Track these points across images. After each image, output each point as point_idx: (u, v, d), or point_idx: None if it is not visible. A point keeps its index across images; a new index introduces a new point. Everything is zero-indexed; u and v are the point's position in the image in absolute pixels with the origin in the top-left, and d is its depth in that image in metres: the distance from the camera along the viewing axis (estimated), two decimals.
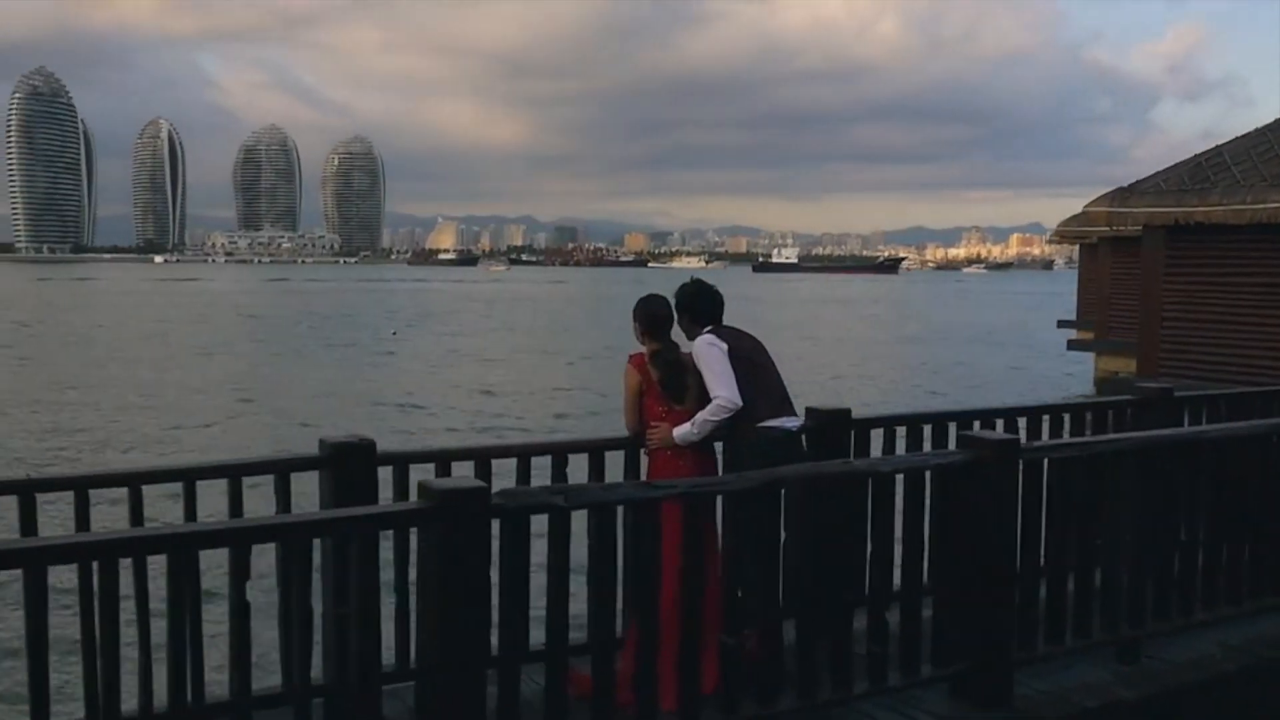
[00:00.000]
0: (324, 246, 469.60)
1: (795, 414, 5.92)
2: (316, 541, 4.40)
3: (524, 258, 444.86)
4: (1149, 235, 19.33)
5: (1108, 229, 23.35)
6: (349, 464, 5.11)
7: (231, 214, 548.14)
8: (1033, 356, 43.31)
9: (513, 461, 5.80)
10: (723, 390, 5.63)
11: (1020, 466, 5.38)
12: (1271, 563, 6.53)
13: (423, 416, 26.92)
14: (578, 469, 5.92)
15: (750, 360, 5.82)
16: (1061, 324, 39.38)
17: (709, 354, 5.73)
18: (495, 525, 4.14)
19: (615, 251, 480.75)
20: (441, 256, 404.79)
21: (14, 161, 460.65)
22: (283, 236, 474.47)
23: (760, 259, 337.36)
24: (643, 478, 5.79)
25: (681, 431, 5.66)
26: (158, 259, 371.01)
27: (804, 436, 6.35)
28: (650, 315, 5.91)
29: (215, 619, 4.37)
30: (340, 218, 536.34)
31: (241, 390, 31.31)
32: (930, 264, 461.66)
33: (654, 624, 4.70)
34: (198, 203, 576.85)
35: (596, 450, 5.89)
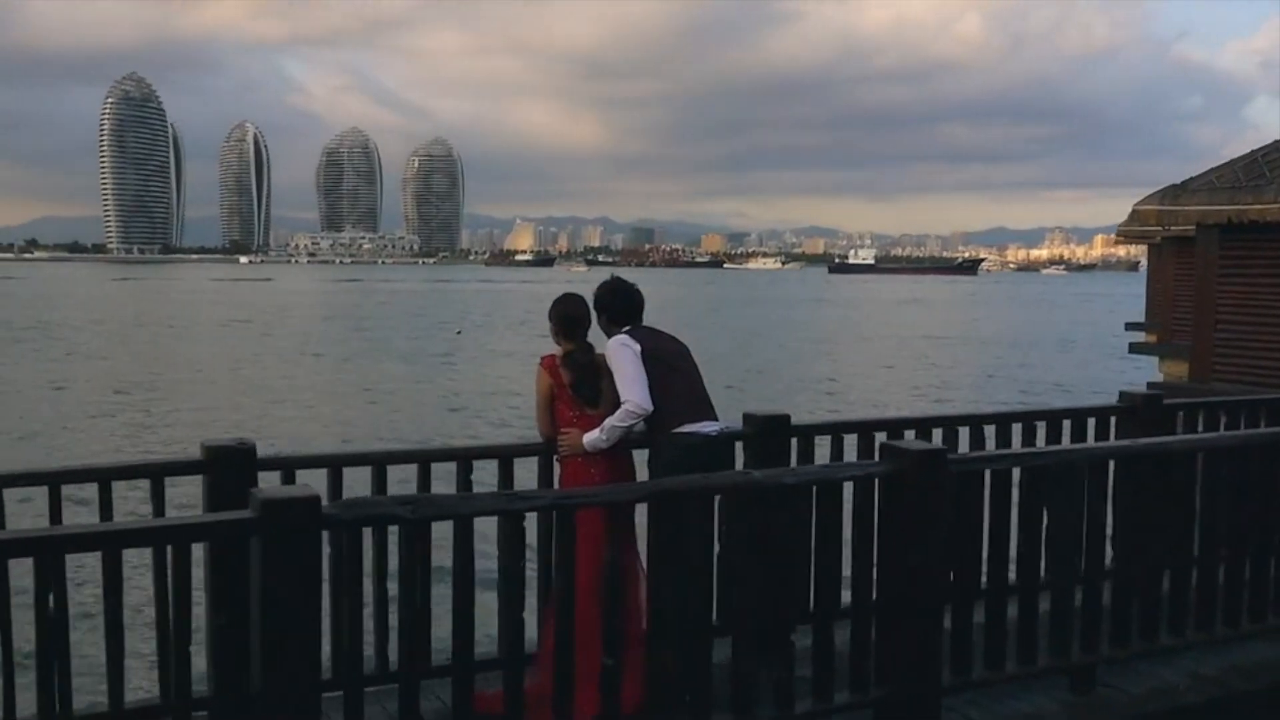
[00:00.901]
0: (403, 247, 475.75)
1: (715, 418, 5.56)
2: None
3: (600, 259, 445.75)
4: (1202, 234, 18.50)
5: (1160, 228, 22.47)
6: (226, 468, 4.88)
7: (315, 215, 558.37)
8: (1095, 360, 42.10)
9: (436, 467, 5.52)
10: (632, 394, 5.31)
11: (945, 479, 4.95)
12: (1255, 585, 6.02)
13: (464, 417, 26.84)
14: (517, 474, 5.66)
15: (666, 363, 5.48)
16: (1130, 326, 38.14)
17: (620, 355, 5.41)
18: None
19: (691, 252, 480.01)
20: (518, 258, 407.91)
21: (106, 165, 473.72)
22: (364, 238, 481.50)
23: (836, 260, 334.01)
24: (556, 486, 5.49)
25: (590, 438, 5.35)
26: (243, 260, 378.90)
27: (742, 442, 6.03)
28: (563, 315, 5.61)
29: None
30: (420, 219, 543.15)
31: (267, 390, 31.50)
32: (1011, 265, 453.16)
33: (569, 639, 4.41)
34: (282, 204, 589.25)
35: (505, 457, 5.57)
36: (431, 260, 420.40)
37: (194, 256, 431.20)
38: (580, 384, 5.45)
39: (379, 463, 5.28)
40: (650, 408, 5.31)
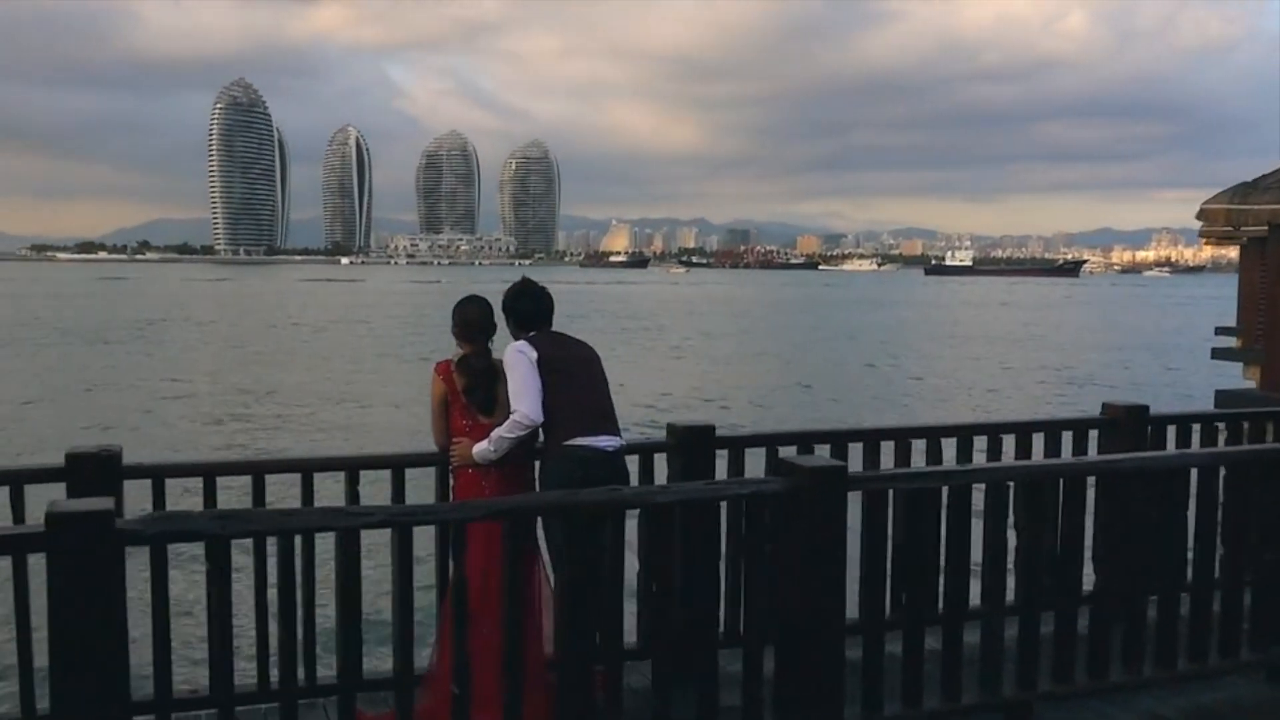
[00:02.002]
0: (500, 249, 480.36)
1: (615, 432, 5.23)
2: None
3: (694, 260, 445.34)
4: (1274, 235, 17.61)
5: (1229, 228, 21.46)
6: (87, 476, 4.69)
7: (414, 217, 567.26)
8: (1181, 365, 40.48)
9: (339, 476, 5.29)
10: (520, 404, 5.02)
11: (841, 497, 4.56)
12: (1227, 618, 5.50)
13: None
14: (421, 485, 5.41)
15: (565, 372, 5.17)
16: (1219, 330, 36.65)
17: (514, 362, 5.12)
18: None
19: (786, 254, 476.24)
20: (612, 259, 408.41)
21: (215, 169, 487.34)
22: (461, 239, 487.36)
23: (933, 261, 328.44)
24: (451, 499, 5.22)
25: (479, 449, 5.07)
26: (344, 261, 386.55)
27: (666, 455, 5.71)
28: (461, 318, 5.35)
29: None
30: (516, 221, 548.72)
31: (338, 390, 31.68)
32: (1115, 267, 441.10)
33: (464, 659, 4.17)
34: (383, 206, 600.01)
35: (397, 467, 5.31)
36: (527, 262, 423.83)
37: (297, 258, 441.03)
38: (473, 390, 5.18)
39: (257, 472, 5.06)
40: (538, 419, 5.02)
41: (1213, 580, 5.47)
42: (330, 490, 5.36)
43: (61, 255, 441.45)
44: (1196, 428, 7.06)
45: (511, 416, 5.01)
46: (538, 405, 5.02)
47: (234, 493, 5.14)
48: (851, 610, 4.81)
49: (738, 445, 5.90)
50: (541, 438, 5.20)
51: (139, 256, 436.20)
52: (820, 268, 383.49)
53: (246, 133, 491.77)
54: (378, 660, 5.37)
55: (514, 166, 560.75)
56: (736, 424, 24.40)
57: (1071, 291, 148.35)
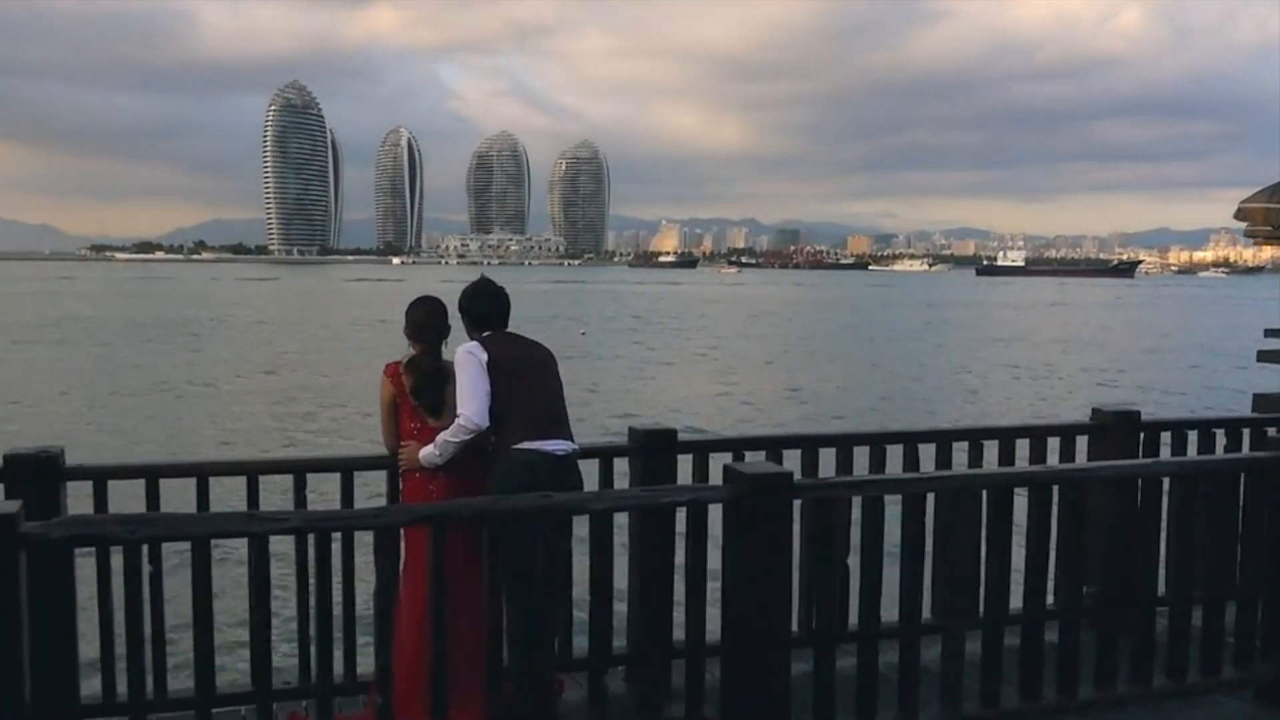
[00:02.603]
0: (550, 249, 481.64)
1: (568, 437, 5.09)
2: None
3: (743, 260, 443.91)
4: None
5: (1269, 228, 20.92)
6: (26, 479, 4.63)
7: (465, 218, 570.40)
8: (1227, 368, 39.64)
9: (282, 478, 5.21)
10: (465, 408, 4.90)
11: (785, 505, 4.40)
12: (1208, 633, 5.28)
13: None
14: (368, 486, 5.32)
15: (515, 374, 5.04)
16: (1269, 333, 35.78)
17: (463, 364, 5.00)
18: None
19: (836, 254, 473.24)
20: (661, 259, 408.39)
21: (269, 170, 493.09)
22: (511, 239, 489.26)
23: (985, 262, 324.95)
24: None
25: (425, 453, 4.97)
26: (395, 261, 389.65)
27: (628, 459, 5.58)
28: (413, 318, 5.24)
29: None
30: (566, 221, 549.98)
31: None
32: (1172, 268, 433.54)
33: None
34: (434, 207, 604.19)
35: (346, 470, 5.21)
36: (576, 262, 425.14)
37: (350, 258, 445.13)
38: (420, 391, 5.07)
39: (201, 474, 4.98)
40: (483, 424, 4.90)
41: (1190, 593, 5.25)
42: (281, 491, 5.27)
43: (120, 255, 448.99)
44: (1193, 434, 6.81)
45: (456, 421, 4.90)
46: (484, 410, 4.90)
47: (178, 494, 5.06)
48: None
49: (701, 450, 5.75)
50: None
51: (195, 257, 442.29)
52: (870, 268, 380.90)
53: (300, 134, 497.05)
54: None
55: (564, 167, 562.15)
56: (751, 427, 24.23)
57: (1123, 292, 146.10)
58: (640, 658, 4.48)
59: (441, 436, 4.92)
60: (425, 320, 5.21)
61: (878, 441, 6.09)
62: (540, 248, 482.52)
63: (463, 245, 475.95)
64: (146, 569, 4.49)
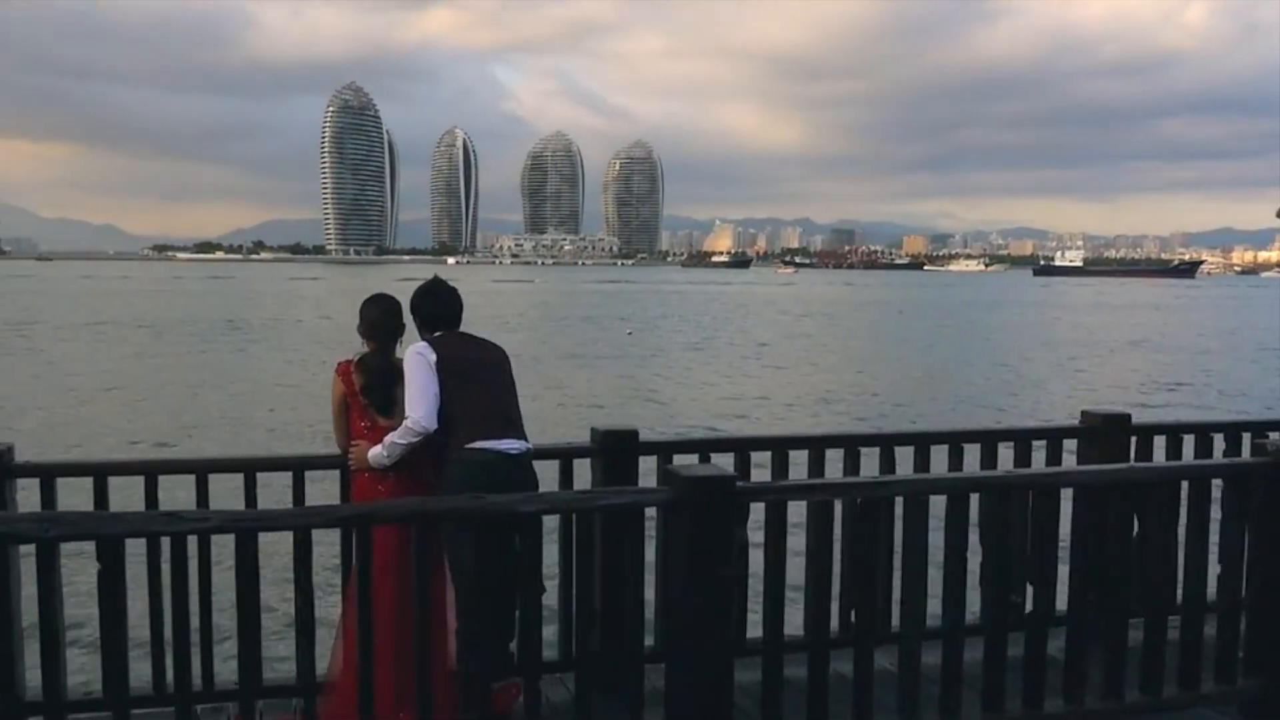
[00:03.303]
0: (604, 249, 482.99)
1: (519, 436, 5.00)
2: None
3: (797, 260, 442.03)
4: None
5: None
6: None
7: (519, 218, 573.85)
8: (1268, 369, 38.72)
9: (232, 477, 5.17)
10: (413, 410, 4.83)
11: (725, 507, 4.26)
12: (1186, 646, 5.07)
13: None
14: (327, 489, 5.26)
15: (466, 375, 4.97)
16: None
17: (412, 365, 4.93)
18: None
19: (890, 254, 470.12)
20: (715, 259, 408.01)
21: (327, 170, 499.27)
22: (565, 239, 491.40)
23: (1042, 262, 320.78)
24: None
25: (373, 454, 4.90)
26: (450, 260, 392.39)
27: (594, 461, 5.47)
28: (366, 316, 5.18)
29: None
30: (620, 221, 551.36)
31: None
32: (1235, 268, 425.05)
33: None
34: (489, 207, 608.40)
35: (297, 469, 5.15)
36: (630, 262, 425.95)
37: (405, 258, 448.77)
38: (370, 390, 5.01)
39: (150, 472, 4.94)
40: (430, 427, 4.83)
41: (1165, 605, 5.05)
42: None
43: (181, 255, 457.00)
44: (1189, 439, 6.57)
45: (404, 423, 4.84)
46: (432, 412, 4.83)
47: (127, 493, 5.03)
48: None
49: (665, 450, 5.62)
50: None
51: (253, 256, 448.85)
52: (925, 268, 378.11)
53: (357, 135, 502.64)
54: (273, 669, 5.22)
55: (618, 167, 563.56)
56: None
57: (1183, 293, 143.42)
58: (575, 663, 4.38)
59: (389, 438, 4.86)
60: (378, 319, 5.14)
61: (852, 444, 5.93)
62: (594, 248, 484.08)
63: (517, 245, 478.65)
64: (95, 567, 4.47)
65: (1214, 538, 5.08)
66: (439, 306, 5.20)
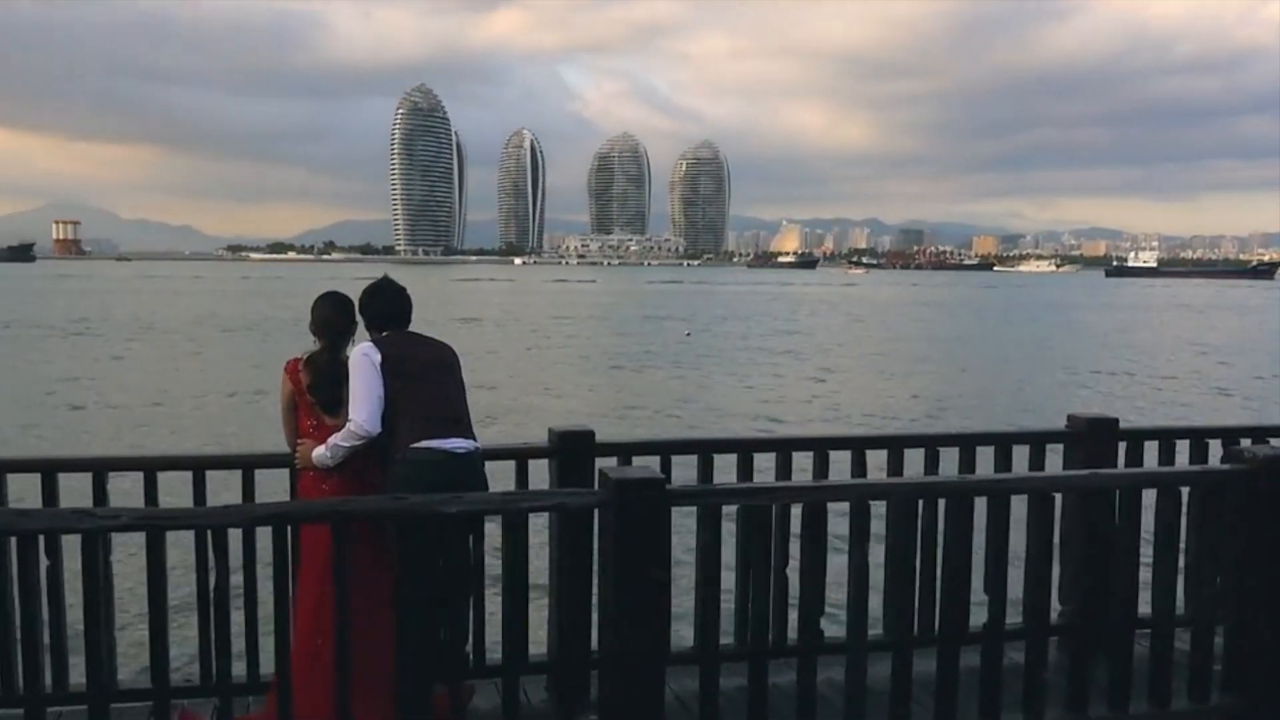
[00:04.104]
0: (670, 250, 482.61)
1: (467, 435, 4.94)
2: None
3: (864, 261, 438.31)
4: None
5: None
6: None
7: (586, 218, 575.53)
8: None
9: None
10: (356, 413, 4.80)
11: (656, 511, 4.17)
12: (1157, 661, 4.89)
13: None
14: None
15: (412, 375, 4.92)
16: None
17: (356, 366, 4.90)
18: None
19: (960, 254, 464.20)
20: (780, 260, 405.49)
21: (396, 172, 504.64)
22: (631, 240, 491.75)
23: (1114, 263, 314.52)
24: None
25: (317, 453, 4.88)
26: (517, 261, 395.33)
27: (551, 462, 5.40)
28: (316, 314, 5.16)
29: None
30: (686, 221, 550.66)
31: None
32: None
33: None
34: (555, 208, 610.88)
35: (247, 467, 5.14)
36: (695, 262, 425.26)
37: (473, 258, 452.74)
38: (316, 389, 4.98)
39: (99, 469, 4.95)
40: (373, 430, 4.80)
41: (1134, 619, 4.88)
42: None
43: (255, 255, 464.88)
44: (1184, 444, 6.35)
45: (347, 425, 4.81)
46: (375, 414, 4.80)
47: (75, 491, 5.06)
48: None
49: (625, 452, 5.53)
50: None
51: (324, 257, 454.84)
52: (995, 269, 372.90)
53: (426, 137, 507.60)
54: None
55: (684, 167, 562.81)
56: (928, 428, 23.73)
57: (1265, 295, 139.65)
58: (508, 669, 4.31)
59: (332, 439, 4.84)
60: (329, 316, 5.12)
61: (820, 447, 5.79)
62: (660, 248, 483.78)
63: (583, 246, 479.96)
64: (44, 563, 4.49)
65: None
66: (386, 305, 5.17)
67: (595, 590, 4.49)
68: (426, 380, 4.96)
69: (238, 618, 4.46)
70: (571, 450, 5.37)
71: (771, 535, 4.49)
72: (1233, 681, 4.99)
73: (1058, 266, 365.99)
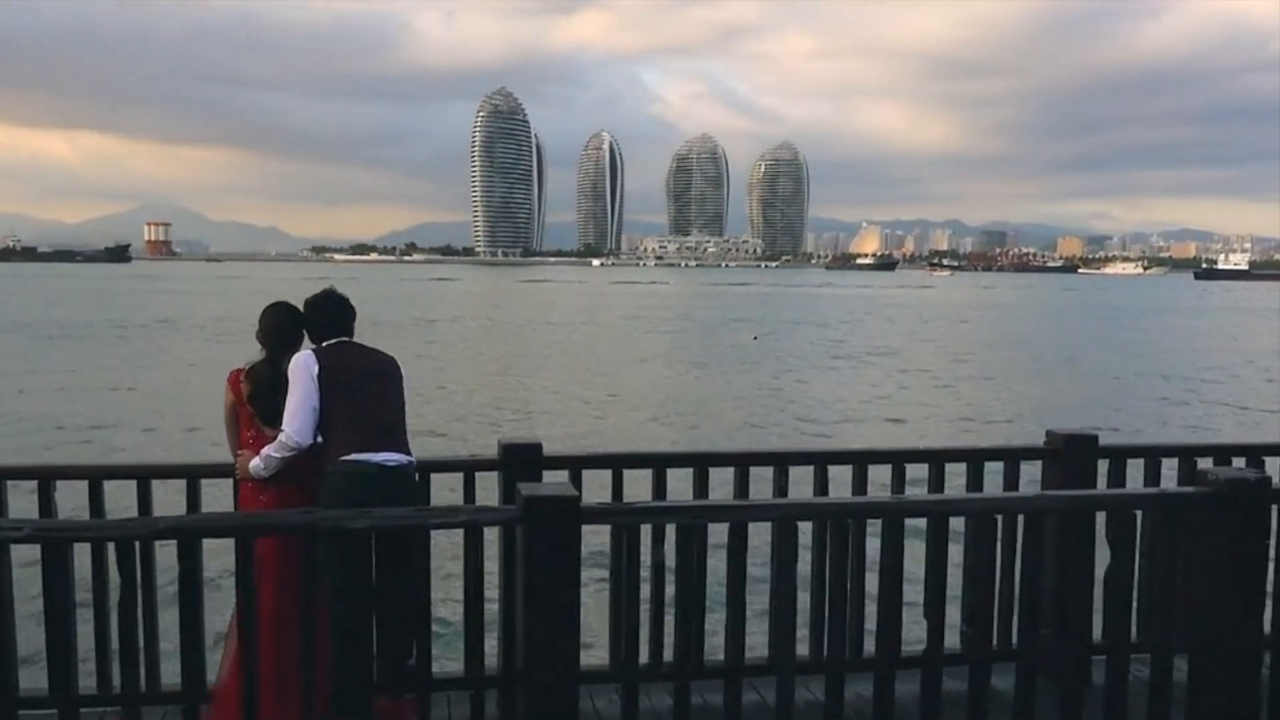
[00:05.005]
0: (747, 251, 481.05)
1: (401, 449, 4.91)
2: None
3: (945, 263, 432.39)
4: None
5: None
6: None
7: (663, 219, 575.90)
8: None
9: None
10: (288, 423, 4.80)
11: (567, 528, 4.09)
12: (1112, 690, 4.69)
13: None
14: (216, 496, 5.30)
15: (349, 386, 4.90)
16: None
17: (294, 377, 4.89)
18: None
19: (1043, 256, 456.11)
20: (859, 261, 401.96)
21: (476, 174, 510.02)
22: (709, 241, 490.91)
23: (1204, 265, 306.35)
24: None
25: (253, 465, 4.88)
26: (595, 263, 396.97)
27: (500, 475, 5.35)
28: (262, 324, 5.17)
29: None
30: (764, 223, 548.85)
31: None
32: None
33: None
34: (634, 209, 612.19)
35: (191, 477, 5.15)
36: (774, 264, 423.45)
37: (552, 260, 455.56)
38: (255, 399, 4.99)
39: (44, 477, 4.98)
40: (304, 442, 4.79)
41: (1090, 644, 4.68)
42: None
43: (338, 256, 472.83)
44: (1172, 462, 6.09)
45: (279, 436, 4.81)
46: (307, 427, 4.79)
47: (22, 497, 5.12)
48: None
49: (574, 465, 5.44)
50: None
51: (406, 258, 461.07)
52: (1080, 271, 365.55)
53: (506, 139, 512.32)
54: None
55: (763, 169, 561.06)
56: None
57: None
58: (420, 684, 4.26)
59: (265, 451, 4.84)
60: (274, 326, 5.13)
61: (781, 462, 5.65)
62: (738, 249, 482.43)
63: (661, 247, 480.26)
64: None
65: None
66: (327, 317, 5.15)
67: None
68: (364, 392, 4.94)
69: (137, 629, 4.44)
70: (518, 463, 5.30)
71: (693, 554, 4.38)
72: (1195, 710, 4.77)
73: (1145, 268, 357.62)
